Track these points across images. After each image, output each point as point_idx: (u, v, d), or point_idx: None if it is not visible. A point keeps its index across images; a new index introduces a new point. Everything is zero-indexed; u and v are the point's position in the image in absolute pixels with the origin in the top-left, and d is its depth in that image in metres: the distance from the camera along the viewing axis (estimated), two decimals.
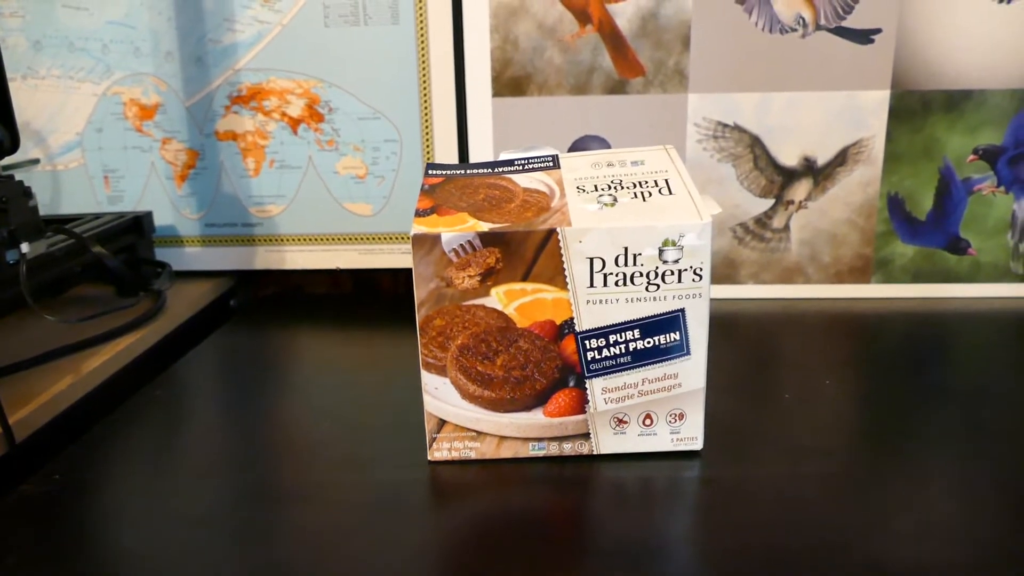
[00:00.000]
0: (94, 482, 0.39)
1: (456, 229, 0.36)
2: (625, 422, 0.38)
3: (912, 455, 0.39)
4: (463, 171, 0.41)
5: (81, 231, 0.57)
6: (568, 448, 0.39)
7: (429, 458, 0.39)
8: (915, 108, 0.59)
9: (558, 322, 0.37)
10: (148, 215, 0.65)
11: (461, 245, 0.36)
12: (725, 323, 0.57)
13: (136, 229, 0.63)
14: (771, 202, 0.61)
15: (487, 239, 0.36)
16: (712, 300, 0.62)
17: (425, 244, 0.36)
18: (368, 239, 0.66)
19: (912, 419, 0.42)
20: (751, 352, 0.52)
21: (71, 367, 0.49)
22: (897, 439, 0.41)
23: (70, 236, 0.55)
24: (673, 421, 0.38)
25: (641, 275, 0.36)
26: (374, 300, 0.66)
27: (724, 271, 0.63)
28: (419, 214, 0.37)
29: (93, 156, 0.66)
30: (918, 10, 0.57)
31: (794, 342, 0.54)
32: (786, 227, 0.62)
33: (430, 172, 0.41)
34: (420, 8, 0.61)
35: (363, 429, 0.43)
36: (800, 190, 0.61)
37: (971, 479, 0.37)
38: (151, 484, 0.38)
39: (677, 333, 0.37)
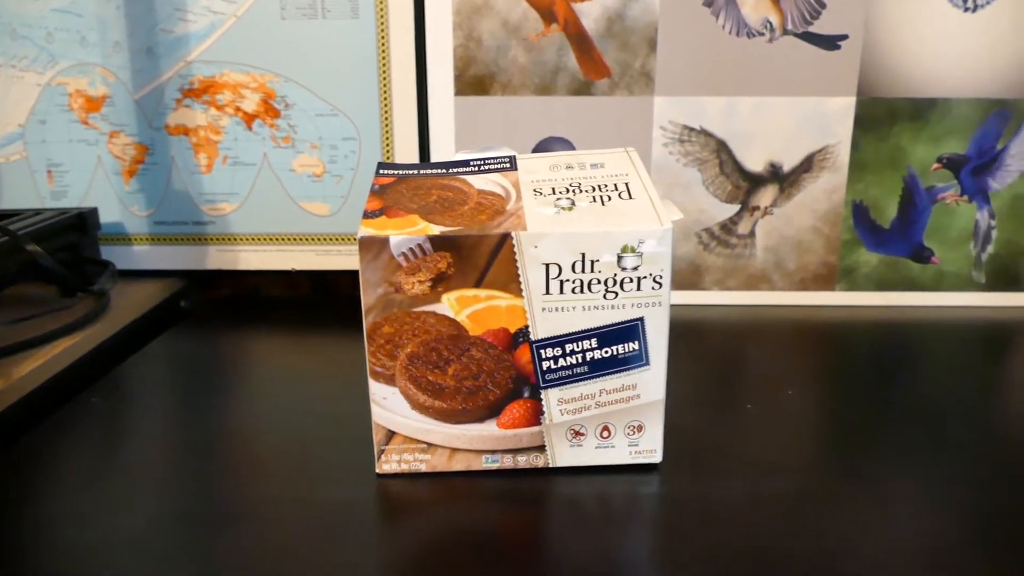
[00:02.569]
0: (21, 499, 0.36)
1: (406, 232, 0.34)
2: (582, 434, 0.37)
3: (873, 468, 0.38)
4: (415, 171, 0.39)
5: (19, 228, 0.54)
6: (523, 461, 0.37)
7: (377, 471, 0.38)
8: (880, 116, 0.59)
9: (512, 330, 0.35)
10: (93, 212, 0.62)
11: (411, 249, 0.34)
12: (689, 329, 0.56)
13: (80, 226, 0.60)
14: (737, 208, 0.61)
15: (438, 243, 0.34)
16: (676, 306, 0.62)
17: (373, 247, 0.34)
18: (325, 240, 0.64)
19: (874, 430, 0.42)
20: (714, 360, 0.51)
21: (2, 372, 0.46)
22: (859, 451, 0.40)
23: (3, 233, 0.52)
24: (631, 433, 0.37)
25: (599, 282, 0.35)
26: (332, 302, 0.64)
27: (689, 277, 0.62)
28: (367, 216, 0.36)
29: (36, 149, 0.63)
30: (885, 17, 0.57)
31: (758, 350, 0.53)
32: (751, 233, 0.61)
33: (381, 172, 0.39)
34: (381, 2, 0.59)
35: (313, 440, 0.41)
36: (766, 196, 0.60)
37: (934, 494, 0.36)
38: (84, 501, 0.36)
39: (636, 342, 0.36)
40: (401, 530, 0.34)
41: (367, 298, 0.35)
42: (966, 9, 0.57)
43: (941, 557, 0.32)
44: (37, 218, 0.58)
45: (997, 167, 0.60)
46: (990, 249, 0.61)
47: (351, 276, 0.66)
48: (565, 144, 0.60)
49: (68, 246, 0.59)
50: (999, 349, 0.53)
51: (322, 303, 0.64)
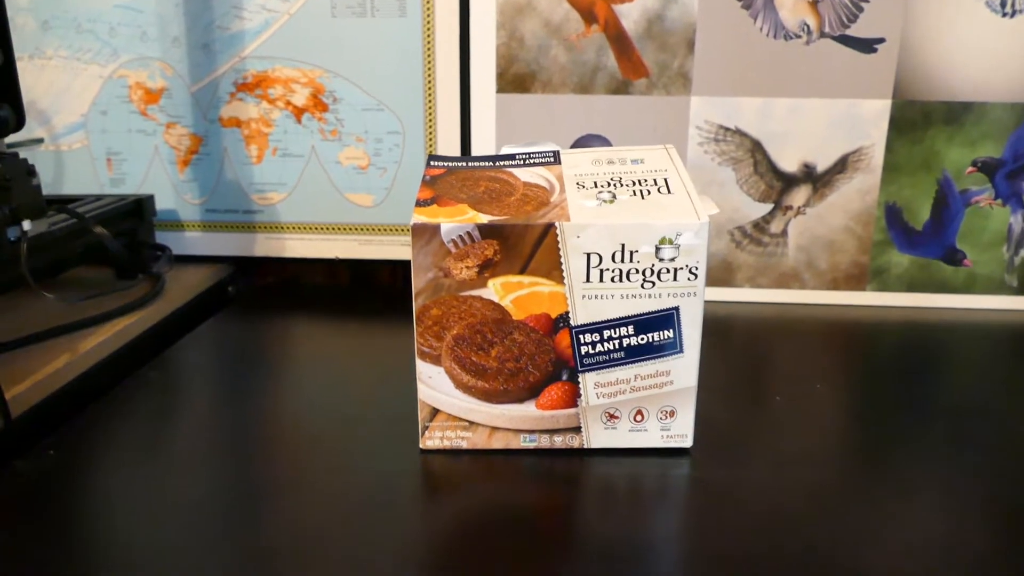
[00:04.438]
0: (86, 460, 0.39)
1: (456, 220, 0.36)
2: (616, 417, 0.39)
3: (899, 464, 0.39)
4: (464, 163, 0.41)
5: (83, 212, 0.58)
6: (559, 441, 0.39)
7: (421, 446, 0.40)
8: (915, 119, 0.59)
9: (553, 316, 0.37)
10: (150, 199, 0.65)
11: (460, 236, 0.36)
12: (720, 326, 0.58)
13: (137, 212, 0.63)
14: (770, 207, 0.62)
15: (486, 231, 0.36)
16: (708, 303, 0.63)
17: (424, 234, 0.36)
18: (368, 230, 0.66)
19: (901, 428, 0.43)
20: (745, 355, 0.53)
21: (68, 346, 0.49)
22: (885, 447, 0.41)
23: (72, 216, 0.55)
24: (664, 418, 0.39)
25: (637, 272, 0.36)
26: (372, 291, 0.66)
27: (721, 274, 0.63)
28: (419, 204, 0.38)
29: (97, 138, 0.66)
30: (922, 21, 0.58)
31: (788, 347, 0.54)
32: (784, 232, 0.62)
33: (432, 163, 0.41)
34: (427, 2, 0.61)
35: (356, 418, 0.43)
36: (799, 196, 0.61)
37: (957, 491, 0.37)
38: (142, 465, 0.39)
39: (671, 331, 0.37)
40: (442, 503, 0.36)
41: (418, 281, 0.37)
42: (1004, 14, 0.57)
43: (959, 547, 0.33)
44: (98, 203, 0.61)
45: None
46: (1023, 253, 0.61)
47: (391, 265, 0.68)
48: (603, 142, 0.62)
49: (126, 231, 0.62)
50: None
51: (362, 291, 0.66)
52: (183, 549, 0.32)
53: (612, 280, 0.36)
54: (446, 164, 0.41)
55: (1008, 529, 0.34)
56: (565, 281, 0.37)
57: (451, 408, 0.39)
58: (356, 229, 0.66)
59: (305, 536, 0.33)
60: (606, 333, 0.37)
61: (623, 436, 0.39)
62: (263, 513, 0.35)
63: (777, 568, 0.31)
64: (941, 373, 0.50)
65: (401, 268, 0.69)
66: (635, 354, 0.37)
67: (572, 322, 0.37)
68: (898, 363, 0.52)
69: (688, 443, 0.39)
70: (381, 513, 0.35)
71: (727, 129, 0.61)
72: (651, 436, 0.39)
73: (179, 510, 0.35)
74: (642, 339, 0.37)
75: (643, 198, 0.37)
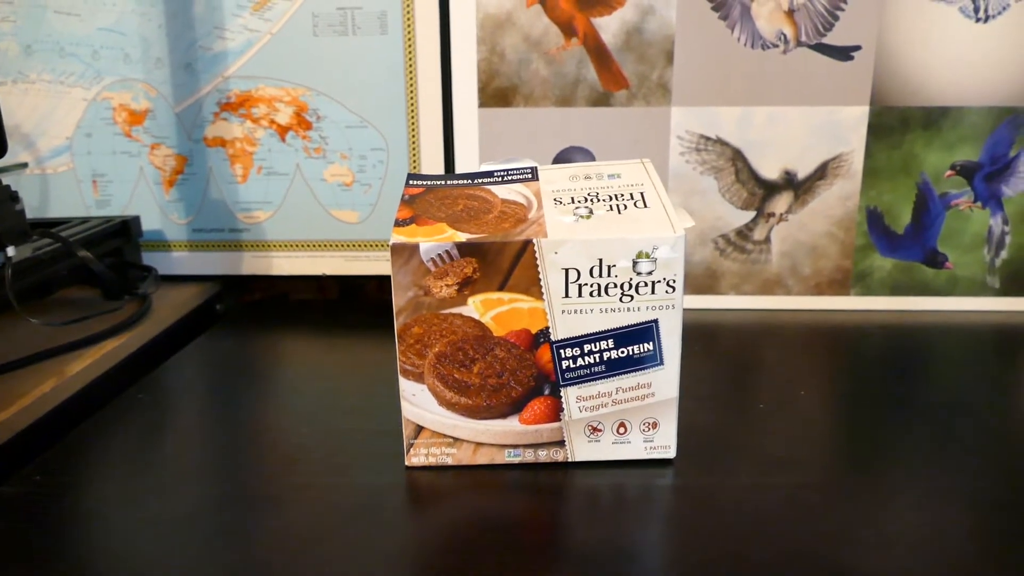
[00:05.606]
0: (74, 484, 0.39)
1: (434, 239, 0.37)
2: (599, 430, 0.39)
3: (884, 467, 0.40)
4: (443, 182, 0.41)
5: (68, 235, 0.58)
6: (543, 455, 0.40)
7: (406, 463, 0.40)
8: (894, 124, 0.60)
9: (534, 331, 0.37)
10: (136, 219, 0.65)
11: (439, 255, 0.37)
12: (705, 333, 0.58)
13: (123, 233, 0.63)
14: (752, 214, 0.62)
15: (465, 249, 0.37)
16: (693, 310, 0.63)
17: (404, 253, 0.37)
18: (354, 246, 0.66)
19: (885, 431, 0.43)
20: (730, 362, 0.53)
21: (55, 370, 0.49)
22: (869, 451, 0.41)
23: (56, 240, 0.55)
24: (646, 430, 0.39)
25: (615, 286, 0.37)
26: (359, 306, 0.67)
27: (705, 282, 0.64)
28: (399, 224, 0.38)
29: (82, 160, 0.66)
30: (897, 28, 0.58)
31: (773, 353, 0.55)
32: (767, 239, 0.63)
33: (411, 182, 0.42)
34: (408, 19, 0.61)
35: (343, 434, 0.44)
36: (781, 203, 0.62)
37: (941, 492, 0.37)
38: (131, 487, 0.39)
39: (650, 343, 0.38)
40: (428, 517, 0.36)
41: (398, 300, 0.37)
42: (977, 19, 0.58)
43: (944, 550, 0.33)
44: (84, 226, 0.61)
45: (1010, 174, 0.61)
46: (1004, 254, 0.62)
47: (378, 281, 0.69)
48: (585, 154, 0.62)
49: (113, 252, 0.62)
50: (1012, 352, 0.55)
51: (350, 306, 0.67)
52: (173, 565, 0.32)
53: (591, 295, 0.37)
54: (424, 183, 0.42)
55: (993, 528, 0.34)
56: (544, 297, 0.37)
57: (435, 425, 0.39)
58: (342, 245, 0.66)
59: (293, 550, 0.33)
60: (586, 347, 0.38)
61: (607, 449, 0.39)
62: (252, 528, 0.35)
63: (763, 572, 0.31)
64: (926, 375, 0.50)
65: (388, 282, 0.69)
66: (616, 367, 0.38)
67: (552, 337, 0.37)
68: (882, 366, 0.52)
69: (671, 454, 0.40)
70: (369, 528, 0.35)
71: (708, 138, 0.61)
72: (634, 448, 0.39)
73: (167, 530, 0.35)
74: (622, 352, 0.38)
75: (620, 213, 0.38)
